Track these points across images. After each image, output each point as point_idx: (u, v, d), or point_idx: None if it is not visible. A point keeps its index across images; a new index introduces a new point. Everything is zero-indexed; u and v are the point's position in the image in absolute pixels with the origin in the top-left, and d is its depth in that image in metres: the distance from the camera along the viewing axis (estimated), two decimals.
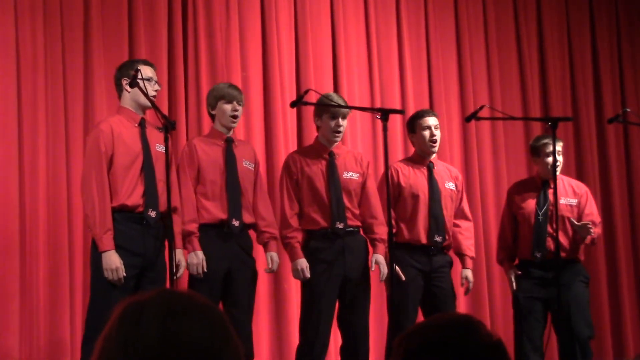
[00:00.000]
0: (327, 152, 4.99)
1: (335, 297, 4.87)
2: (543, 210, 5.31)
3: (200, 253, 4.57)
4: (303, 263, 4.80)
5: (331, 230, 4.86)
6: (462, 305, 6.43)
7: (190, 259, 4.57)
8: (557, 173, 5.22)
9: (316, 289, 4.84)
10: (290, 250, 4.86)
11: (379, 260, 4.95)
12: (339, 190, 4.91)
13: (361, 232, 5.03)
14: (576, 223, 5.29)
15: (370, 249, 5.05)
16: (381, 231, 4.99)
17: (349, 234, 4.91)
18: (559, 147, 5.23)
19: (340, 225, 4.87)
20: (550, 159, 5.25)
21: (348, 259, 4.88)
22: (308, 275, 4.79)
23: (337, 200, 4.89)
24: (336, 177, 4.93)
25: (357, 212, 4.98)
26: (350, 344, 4.93)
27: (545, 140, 5.38)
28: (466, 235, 5.31)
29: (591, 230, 5.23)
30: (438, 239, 5.12)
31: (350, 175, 5.00)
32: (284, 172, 4.97)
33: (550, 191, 5.32)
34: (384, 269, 4.94)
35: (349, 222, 4.91)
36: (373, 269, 4.97)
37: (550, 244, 5.24)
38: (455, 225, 5.29)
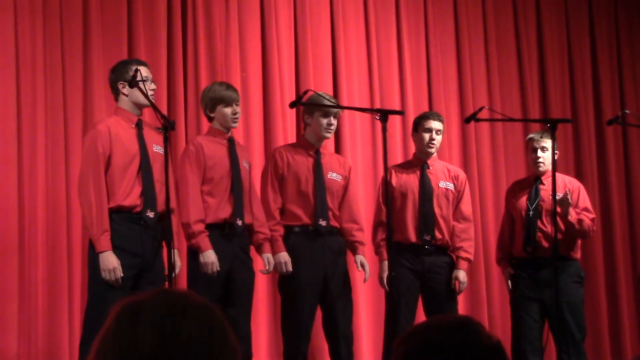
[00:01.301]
0: (314, 150, 4.99)
1: (317, 296, 4.86)
2: (534, 205, 5.34)
3: (212, 252, 4.53)
4: (285, 256, 4.79)
5: (313, 228, 4.86)
6: (460, 306, 6.42)
7: (205, 259, 4.52)
8: (540, 169, 5.34)
9: (296, 286, 4.82)
10: (272, 243, 4.84)
11: (363, 261, 4.98)
12: (323, 187, 4.92)
13: (339, 235, 5.03)
14: (557, 198, 5.26)
15: (348, 251, 5.06)
16: (360, 235, 5.03)
17: (330, 234, 4.92)
18: (545, 143, 5.30)
19: (322, 223, 4.87)
20: (533, 155, 5.37)
21: (328, 258, 4.88)
22: (290, 268, 4.78)
23: (321, 198, 4.90)
24: (321, 175, 4.95)
25: (337, 213, 5.00)
26: (334, 346, 4.93)
27: (530, 136, 5.48)
28: (462, 237, 5.27)
29: (570, 200, 5.22)
30: (427, 237, 5.12)
31: (334, 177, 5.01)
32: (270, 165, 4.96)
33: (542, 187, 5.38)
34: (368, 269, 4.99)
35: (330, 223, 4.92)
36: (360, 269, 4.98)
37: (540, 238, 5.26)
38: (453, 226, 5.28)
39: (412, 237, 5.13)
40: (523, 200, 5.43)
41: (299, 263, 4.82)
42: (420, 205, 5.18)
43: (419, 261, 5.13)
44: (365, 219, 5.40)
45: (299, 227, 4.88)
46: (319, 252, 4.86)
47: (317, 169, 4.95)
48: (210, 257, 4.52)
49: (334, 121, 4.95)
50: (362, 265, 4.98)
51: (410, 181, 5.23)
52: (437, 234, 5.17)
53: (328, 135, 5.00)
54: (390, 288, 4.82)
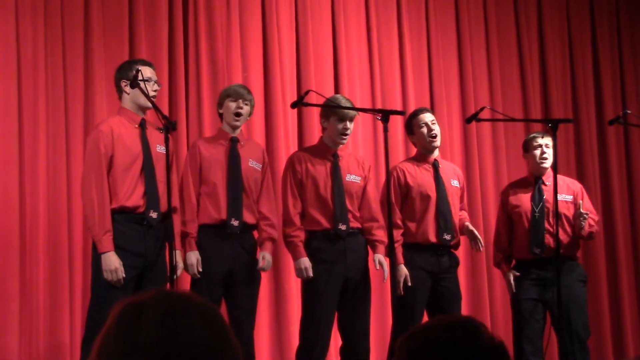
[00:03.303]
0: (332, 153, 4.99)
1: (337, 298, 4.86)
2: (539, 207, 5.33)
3: (195, 253, 4.58)
4: (306, 262, 4.79)
5: (333, 232, 4.86)
6: (462, 307, 6.42)
7: (187, 260, 4.58)
8: (544, 166, 5.35)
9: (317, 289, 4.82)
10: (293, 249, 4.85)
11: (381, 260, 4.95)
12: (342, 192, 4.92)
13: (361, 235, 5.03)
14: (578, 210, 5.31)
15: (370, 250, 5.05)
16: (380, 234, 5.00)
17: (351, 235, 4.92)
18: (548, 141, 5.32)
19: (342, 227, 4.87)
20: (536, 152, 5.38)
21: (349, 259, 4.87)
22: (311, 274, 4.78)
23: (340, 202, 4.89)
24: (339, 179, 4.94)
25: (357, 214, 4.99)
26: (350, 345, 4.93)
27: (533, 135, 5.50)
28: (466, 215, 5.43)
29: (585, 216, 5.26)
30: (447, 237, 5.13)
31: (352, 178, 5.00)
32: (289, 170, 4.96)
33: (544, 187, 5.38)
34: (387, 269, 4.95)
35: (351, 224, 4.92)
36: (377, 267, 4.96)
37: (548, 240, 5.25)
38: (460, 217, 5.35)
39: (432, 237, 5.13)
40: (525, 202, 5.41)
41: (321, 265, 4.82)
42: (438, 205, 5.17)
43: (435, 261, 5.13)
44: None
45: (320, 232, 4.88)
46: (340, 254, 4.86)
47: (335, 174, 4.94)
48: (190, 258, 4.57)
49: (349, 125, 4.95)
50: (381, 264, 4.95)
51: (427, 181, 5.21)
52: (455, 233, 5.20)
53: (343, 141, 4.98)
54: (398, 289, 4.84)
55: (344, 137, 4.97)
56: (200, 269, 4.56)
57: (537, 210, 5.33)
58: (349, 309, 4.90)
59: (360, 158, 5.26)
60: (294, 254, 4.85)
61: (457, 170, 5.51)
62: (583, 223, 5.27)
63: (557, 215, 4.99)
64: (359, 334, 4.90)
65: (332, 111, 4.93)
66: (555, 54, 7.42)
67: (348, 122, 4.93)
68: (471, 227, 5.26)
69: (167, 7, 5.85)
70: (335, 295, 4.85)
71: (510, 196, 5.50)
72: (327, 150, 5.00)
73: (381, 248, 4.99)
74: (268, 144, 6.10)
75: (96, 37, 5.54)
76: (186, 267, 4.58)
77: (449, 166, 5.46)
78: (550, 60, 7.38)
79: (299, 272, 4.82)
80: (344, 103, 4.96)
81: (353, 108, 5.59)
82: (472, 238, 5.25)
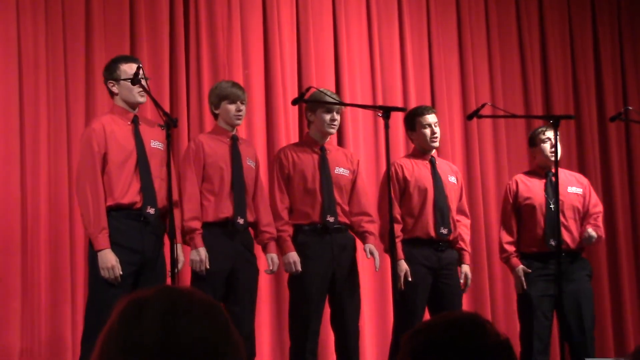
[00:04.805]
0: (319, 146, 4.99)
1: (325, 294, 4.87)
2: (554, 199, 5.28)
3: (203, 250, 4.55)
4: (294, 256, 4.80)
5: (321, 225, 4.86)
6: (464, 303, 6.42)
7: (193, 256, 4.55)
8: (554, 159, 5.29)
9: (305, 285, 4.83)
10: (281, 244, 4.85)
11: (372, 249, 4.95)
12: (330, 183, 4.92)
13: (349, 231, 5.03)
14: (583, 238, 5.34)
15: (359, 245, 5.05)
16: (370, 227, 5.01)
17: (338, 231, 4.91)
18: (552, 134, 5.31)
19: (330, 219, 4.86)
20: (545, 145, 5.38)
21: (337, 255, 4.87)
22: (299, 268, 4.78)
23: (328, 194, 4.89)
24: (328, 170, 4.95)
25: (346, 208, 4.99)
26: (341, 342, 4.94)
27: (540, 129, 5.49)
28: (466, 231, 5.33)
29: (592, 236, 5.28)
30: (444, 231, 5.13)
31: (341, 171, 5.01)
32: (276, 165, 4.96)
33: (554, 180, 5.37)
34: (378, 257, 4.95)
35: (339, 219, 4.91)
36: (369, 256, 4.96)
37: (562, 232, 5.22)
38: (457, 220, 5.30)
39: (431, 231, 5.13)
40: (538, 194, 5.39)
41: (308, 260, 4.82)
42: (435, 199, 5.17)
43: (435, 257, 5.13)
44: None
45: (307, 226, 4.88)
46: (327, 249, 4.86)
47: (323, 165, 4.94)
48: (199, 255, 4.53)
49: (337, 117, 4.96)
50: (372, 253, 4.94)
51: (424, 176, 5.21)
52: (452, 227, 5.19)
53: (332, 130, 5.00)
54: (400, 285, 4.83)
55: (333, 127, 4.96)
56: (208, 266, 4.55)
57: (552, 203, 5.31)
58: (338, 306, 4.90)
59: (349, 152, 5.29)
60: (282, 248, 4.84)
61: (455, 169, 5.52)
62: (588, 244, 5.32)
63: (558, 211, 4.99)
64: (348, 332, 4.90)
65: (318, 103, 4.93)
66: (556, 50, 7.41)
67: (335, 113, 4.94)
68: (467, 270, 5.24)
69: (168, 5, 5.84)
70: (324, 290, 4.85)
71: (520, 187, 5.47)
72: (314, 144, 5.00)
73: (371, 239, 4.99)
74: (269, 141, 6.10)
75: (97, 35, 5.54)
76: (191, 264, 4.56)
77: (447, 164, 5.49)
78: (552, 57, 7.37)
79: (288, 266, 4.82)
80: (331, 95, 4.97)
81: (355, 105, 5.62)
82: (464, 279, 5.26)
